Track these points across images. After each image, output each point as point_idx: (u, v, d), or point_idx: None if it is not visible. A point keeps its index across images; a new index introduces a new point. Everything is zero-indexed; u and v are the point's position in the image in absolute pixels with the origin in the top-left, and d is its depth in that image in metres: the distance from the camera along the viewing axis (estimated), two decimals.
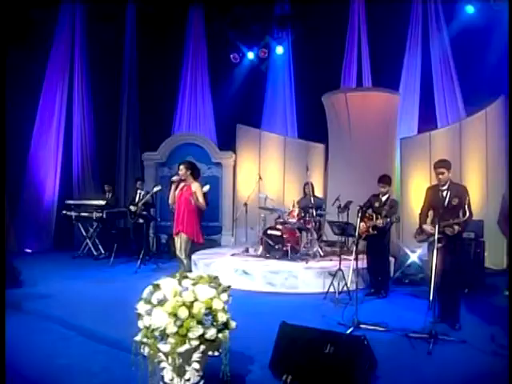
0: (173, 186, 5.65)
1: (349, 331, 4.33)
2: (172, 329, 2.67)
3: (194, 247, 5.99)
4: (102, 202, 8.67)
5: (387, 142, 8.60)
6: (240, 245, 8.67)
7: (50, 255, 9.11)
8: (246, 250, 7.68)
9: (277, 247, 7.08)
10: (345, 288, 5.71)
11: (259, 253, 7.36)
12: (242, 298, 5.82)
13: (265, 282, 6.20)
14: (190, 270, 5.77)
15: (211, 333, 2.72)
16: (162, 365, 2.82)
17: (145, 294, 2.87)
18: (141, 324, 2.82)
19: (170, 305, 2.70)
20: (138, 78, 11.03)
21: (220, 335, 2.79)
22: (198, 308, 2.70)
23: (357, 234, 5.06)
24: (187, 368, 2.79)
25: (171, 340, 2.69)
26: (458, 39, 8.84)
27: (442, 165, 4.68)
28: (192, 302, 2.71)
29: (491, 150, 7.37)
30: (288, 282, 6.13)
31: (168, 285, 2.82)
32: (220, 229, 10.74)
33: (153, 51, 10.72)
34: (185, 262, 5.63)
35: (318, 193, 9.82)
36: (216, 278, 2.93)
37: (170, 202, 5.78)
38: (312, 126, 10.40)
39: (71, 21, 10.03)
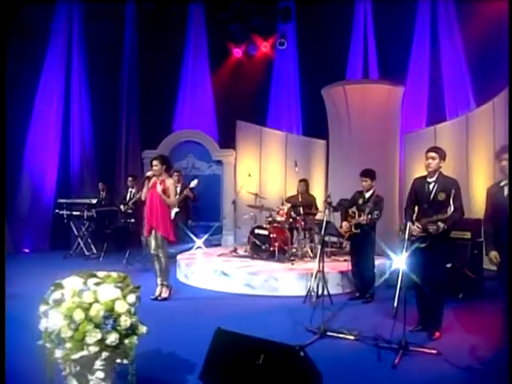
0: (146, 182, 5.44)
1: (309, 341, 3.92)
2: (67, 332, 2.37)
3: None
4: (94, 201, 8.51)
5: (389, 136, 8.09)
6: (241, 245, 8.32)
7: (44, 255, 8.98)
8: (235, 250, 7.36)
9: (264, 247, 6.72)
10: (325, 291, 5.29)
11: (247, 253, 7.03)
12: (214, 300, 5.59)
13: (243, 284, 5.84)
14: (168, 269, 5.55)
15: (112, 338, 2.40)
16: (64, 372, 2.54)
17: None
18: (41, 326, 2.54)
19: (65, 306, 2.41)
20: (138, 74, 10.88)
21: (126, 341, 2.48)
22: (96, 310, 2.39)
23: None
24: (90, 377, 2.49)
25: (68, 345, 2.40)
26: (468, 27, 8.23)
27: (433, 150, 4.17)
28: (91, 304, 2.41)
29: (499, 142, 6.75)
30: (268, 284, 5.75)
31: (70, 284, 2.53)
32: (221, 229, 10.47)
33: (153, 48, 10.53)
34: (163, 260, 5.42)
35: (320, 190, 9.43)
36: (126, 277, 2.62)
37: (142, 198, 5.57)
38: (316, 122, 10.00)
39: (69, 18, 9.95)
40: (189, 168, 10.88)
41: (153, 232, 5.38)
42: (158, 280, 5.50)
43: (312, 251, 6.81)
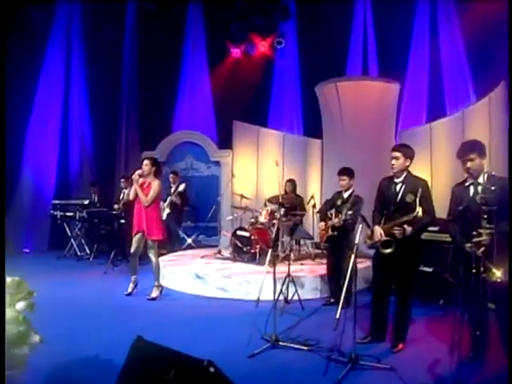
0: (134, 182, 5.42)
1: (257, 351, 3.69)
2: None
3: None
4: (86, 202, 8.52)
5: (384, 133, 7.75)
6: (226, 247, 8.17)
7: (41, 255, 9.04)
8: (219, 252, 7.18)
9: (245, 249, 6.52)
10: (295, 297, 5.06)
11: (229, 255, 6.84)
12: (183, 303, 5.45)
13: (217, 288, 5.65)
14: (158, 270, 5.58)
15: None
16: None
17: None
18: None
19: None
20: (138, 75, 10.86)
21: (16, 351, 2.33)
22: None
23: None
24: None
25: None
26: (468, 22, 7.76)
27: (397, 149, 3.85)
28: None
29: (495, 138, 6.31)
30: (241, 287, 5.54)
31: None
32: (218, 230, 10.33)
33: (152, 49, 10.47)
34: (154, 261, 5.48)
35: (316, 189, 9.15)
36: (21, 282, 2.47)
37: (131, 197, 5.60)
38: (317, 121, 9.72)
39: (69, 17, 10.01)
40: (188, 169, 10.80)
41: (139, 233, 5.43)
42: (133, 277, 5.64)
43: (295, 253, 6.56)
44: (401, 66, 8.77)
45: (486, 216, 3.08)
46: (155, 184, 5.38)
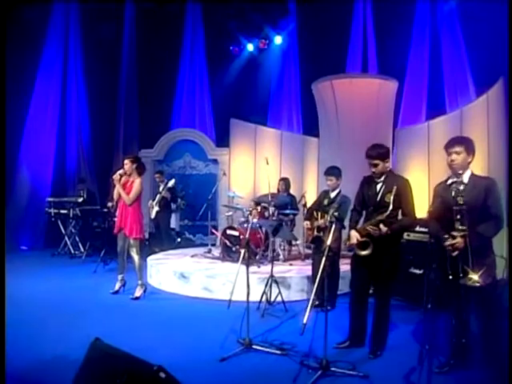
0: (116, 182, 5.45)
1: (227, 355, 3.56)
2: None
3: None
4: (79, 199, 8.48)
5: (380, 131, 7.55)
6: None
7: (37, 253, 9.00)
8: (209, 251, 7.07)
9: (234, 249, 6.40)
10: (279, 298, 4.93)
11: (218, 254, 6.74)
12: (167, 303, 5.36)
13: (201, 288, 5.55)
14: (141, 268, 5.53)
15: None
16: None
17: None
18: None
19: None
20: (136, 73, 10.81)
21: None
22: None
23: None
24: None
25: None
26: (469, 18, 7.54)
27: (374, 154, 3.63)
28: None
29: (493, 136, 6.10)
30: (225, 287, 5.39)
31: None
32: (216, 228, 10.23)
33: (151, 46, 10.44)
34: (136, 260, 5.46)
35: (313, 188, 9.01)
36: None
37: (114, 197, 5.66)
38: (315, 120, 9.57)
39: (66, 14, 9.97)
40: (186, 167, 10.73)
41: (121, 231, 5.48)
42: (119, 276, 5.63)
43: (286, 253, 6.43)
44: (401, 64, 8.62)
45: (458, 217, 2.92)
46: (136, 182, 5.41)
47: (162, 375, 2.42)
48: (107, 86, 10.45)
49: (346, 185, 5.12)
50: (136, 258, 5.42)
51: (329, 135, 7.91)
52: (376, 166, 3.64)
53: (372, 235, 3.53)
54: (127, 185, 5.47)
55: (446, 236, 3.00)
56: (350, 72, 9.16)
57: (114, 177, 5.39)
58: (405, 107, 8.44)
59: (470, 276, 2.87)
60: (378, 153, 3.65)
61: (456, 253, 2.94)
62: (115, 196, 5.60)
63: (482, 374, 3.21)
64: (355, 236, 3.60)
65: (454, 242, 2.95)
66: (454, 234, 2.95)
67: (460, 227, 2.93)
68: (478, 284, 2.87)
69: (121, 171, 5.50)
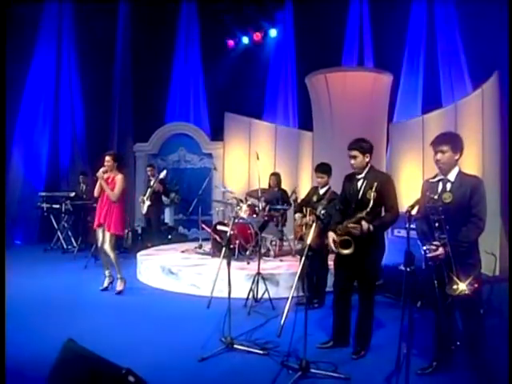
0: (100, 179, 5.45)
1: (209, 354, 3.50)
2: None
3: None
4: (72, 194, 8.42)
5: (374, 125, 7.50)
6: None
7: (31, 248, 8.95)
8: (200, 247, 7.01)
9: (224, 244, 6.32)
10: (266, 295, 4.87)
11: (208, 250, 6.68)
12: (153, 299, 5.31)
13: (189, 284, 5.50)
14: (118, 263, 5.53)
15: None
16: None
17: None
18: None
19: None
20: (131, 67, 10.70)
21: None
22: None
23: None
24: None
25: None
26: (465, 12, 7.40)
27: (354, 146, 3.57)
28: None
29: (488, 131, 6.00)
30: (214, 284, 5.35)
31: None
32: (211, 223, 10.18)
33: (145, 40, 10.34)
34: (111, 255, 5.47)
35: (307, 182, 8.94)
36: None
37: (95, 194, 5.63)
38: (311, 114, 9.47)
39: (59, 9, 9.88)
40: (180, 161, 10.66)
41: (100, 227, 5.52)
42: (106, 272, 5.64)
43: (277, 249, 6.36)
44: (397, 57, 8.50)
45: (437, 225, 2.84)
46: (118, 178, 5.40)
47: (131, 379, 2.37)
48: (101, 80, 10.34)
49: (339, 179, 5.02)
50: (111, 253, 5.43)
51: (323, 129, 7.83)
52: (355, 157, 3.56)
53: (351, 232, 3.45)
54: (108, 181, 5.47)
55: (425, 248, 2.93)
56: (345, 65, 9.03)
57: (98, 174, 5.37)
58: (400, 101, 8.32)
59: (456, 286, 2.80)
60: (359, 145, 3.58)
61: (438, 263, 2.88)
62: (95, 193, 5.60)
63: (465, 375, 3.15)
64: (331, 236, 3.53)
65: (435, 254, 2.89)
66: (435, 244, 2.89)
67: (441, 236, 2.85)
68: (465, 293, 2.80)
69: (103, 168, 5.50)
